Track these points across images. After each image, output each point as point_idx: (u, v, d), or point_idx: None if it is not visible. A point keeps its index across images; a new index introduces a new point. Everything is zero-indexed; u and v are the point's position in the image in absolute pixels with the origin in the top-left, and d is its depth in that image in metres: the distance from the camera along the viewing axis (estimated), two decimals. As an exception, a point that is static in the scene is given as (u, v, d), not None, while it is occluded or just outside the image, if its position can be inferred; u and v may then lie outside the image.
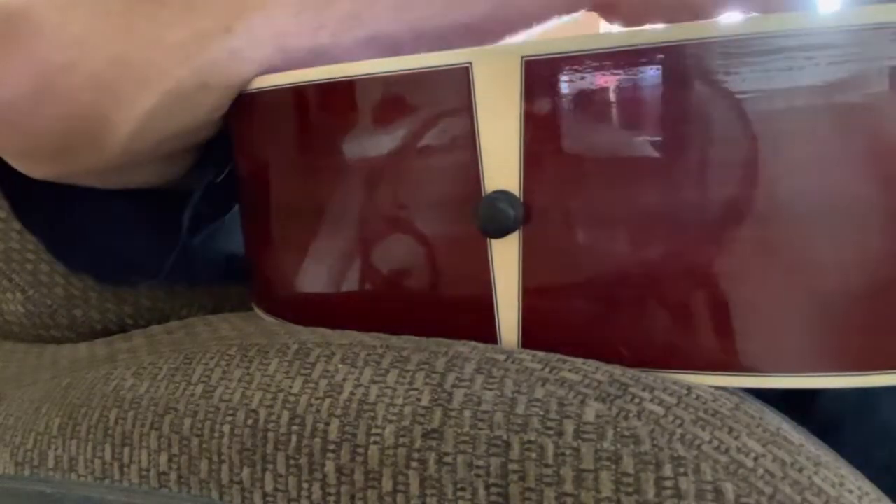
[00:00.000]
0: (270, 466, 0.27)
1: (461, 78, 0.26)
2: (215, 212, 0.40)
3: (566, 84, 0.24)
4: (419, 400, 0.25)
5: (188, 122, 0.32)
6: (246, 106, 0.32)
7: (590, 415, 0.24)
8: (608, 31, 0.24)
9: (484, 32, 0.33)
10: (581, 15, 0.33)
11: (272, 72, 0.31)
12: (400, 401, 0.26)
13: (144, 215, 0.38)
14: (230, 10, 0.29)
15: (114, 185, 0.37)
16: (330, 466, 0.26)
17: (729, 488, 0.22)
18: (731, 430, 0.23)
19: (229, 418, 0.28)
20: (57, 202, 0.37)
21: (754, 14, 0.32)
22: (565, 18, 0.34)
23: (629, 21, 0.34)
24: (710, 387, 0.25)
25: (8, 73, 0.30)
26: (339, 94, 0.28)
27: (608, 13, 0.34)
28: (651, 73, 0.24)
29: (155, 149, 0.33)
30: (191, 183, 0.38)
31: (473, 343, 0.27)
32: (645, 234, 0.25)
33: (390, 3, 0.31)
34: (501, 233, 0.26)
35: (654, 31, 0.24)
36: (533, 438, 0.24)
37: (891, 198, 0.23)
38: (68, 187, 0.36)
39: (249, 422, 0.27)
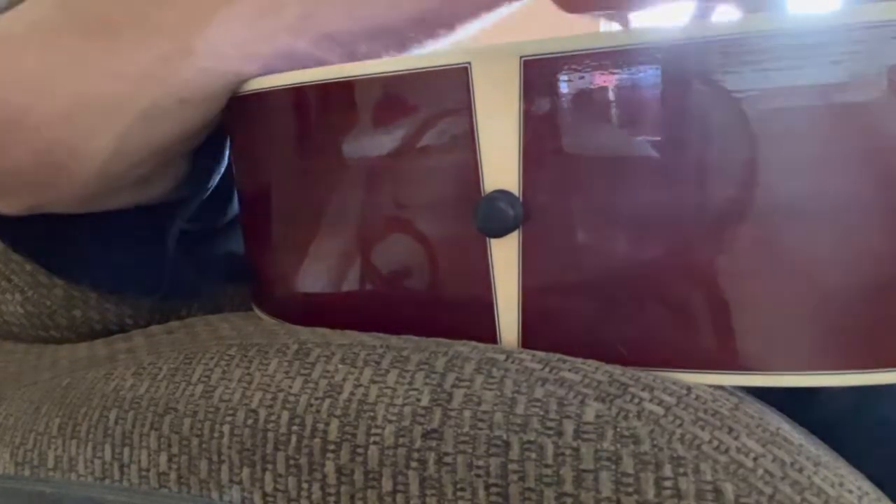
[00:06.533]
0: (270, 466, 0.27)
1: (460, 78, 0.26)
2: (210, 218, 0.40)
3: (565, 83, 0.24)
4: (419, 400, 0.25)
5: (172, 135, 0.32)
6: (244, 107, 0.32)
7: (590, 415, 0.24)
8: (608, 31, 0.24)
9: (435, 24, 0.34)
10: (531, 1, 0.33)
11: (247, 77, 0.31)
12: (400, 401, 0.26)
13: (142, 227, 0.38)
14: (185, 29, 0.29)
15: (88, 211, 0.37)
16: (330, 466, 0.26)
17: (729, 488, 0.22)
18: (730, 430, 0.23)
19: (229, 418, 0.28)
20: (48, 222, 0.37)
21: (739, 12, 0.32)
22: (515, 5, 0.34)
23: (569, 8, 0.34)
24: (710, 386, 0.25)
25: None
26: (338, 95, 0.28)
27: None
28: (650, 73, 0.24)
29: (134, 169, 0.33)
30: (179, 196, 0.37)
31: (473, 343, 0.27)
32: (644, 234, 0.25)
33: (340, 3, 0.31)
34: (501, 232, 0.26)
35: (654, 30, 0.24)
36: (533, 438, 0.24)
37: (890, 197, 0.23)
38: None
39: (249, 422, 0.27)
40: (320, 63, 0.30)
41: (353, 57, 0.32)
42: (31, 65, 0.30)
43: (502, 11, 0.34)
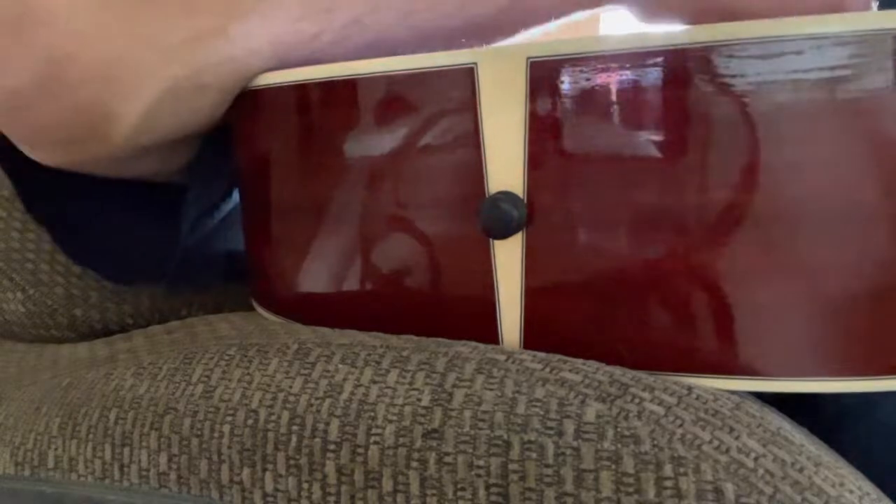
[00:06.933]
0: (270, 466, 0.27)
1: (466, 78, 0.26)
2: (211, 208, 0.40)
3: (571, 85, 0.24)
4: (419, 400, 0.25)
5: (189, 120, 0.33)
6: (248, 103, 0.32)
7: (590, 415, 0.24)
8: (614, 34, 0.24)
9: (493, 31, 0.33)
10: (600, 10, 0.33)
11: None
12: (400, 401, 0.26)
13: (149, 212, 0.38)
14: (228, 11, 0.29)
15: (120, 174, 0.37)
16: (330, 466, 0.26)
17: (729, 488, 0.22)
18: (731, 429, 0.23)
19: (229, 418, 0.28)
20: (63, 193, 0.38)
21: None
22: (583, 14, 0.33)
23: (648, 16, 0.34)
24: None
25: (13, 60, 0.31)
26: (343, 93, 0.28)
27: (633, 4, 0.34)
28: (655, 75, 0.24)
29: (161, 140, 0.34)
30: (192, 176, 0.38)
31: (474, 343, 0.27)
32: (647, 235, 0.25)
33: (397, 9, 0.31)
34: (504, 234, 0.26)
35: (659, 33, 0.24)
36: (533, 438, 0.24)
37: (893, 201, 0.23)
38: (76, 181, 0.36)
39: (249, 422, 0.27)
40: None
41: None
42: (80, 19, 0.30)
43: (557, 22, 0.33)
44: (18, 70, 0.31)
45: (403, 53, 0.32)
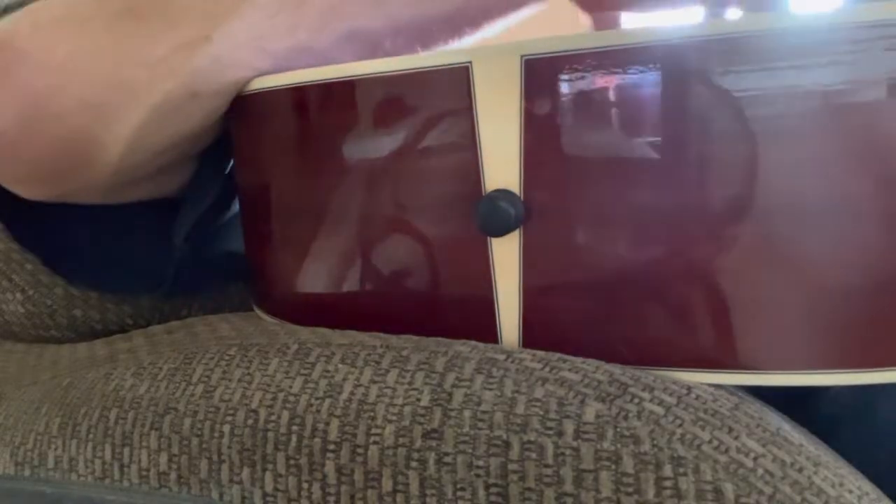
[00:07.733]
0: (270, 466, 0.27)
1: (461, 77, 0.26)
2: (211, 216, 0.40)
3: (566, 83, 0.24)
4: (419, 400, 0.25)
5: (183, 132, 0.32)
6: (246, 107, 0.32)
7: (590, 415, 0.24)
8: (610, 31, 0.24)
9: (462, 22, 0.34)
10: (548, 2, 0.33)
11: (259, 74, 0.31)
12: (400, 401, 0.26)
13: (143, 224, 0.38)
14: (207, 19, 0.30)
15: (111, 202, 0.37)
16: (330, 466, 0.26)
17: (729, 488, 0.22)
18: (730, 430, 0.23)
19: (229, 418, 0.28)
20: (52, 217, 0.37)
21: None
22: (542, 5, 0.33)
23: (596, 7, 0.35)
24: (710, 386, 0.25)
25: None
26: (339, 95, 0.28)
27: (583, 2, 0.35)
28: (651, 73, 0.24)
29: (151, 162, 0.33)
30: (188, 192, 0.38)
31: (473, 343, 0.27)
32: (644, 233, 0.25)
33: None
34: (502, 232, 0.26)
35: (654, 30, 0.24)
36: (533, 438, 0.24)
37: (889, 197, 0.23)
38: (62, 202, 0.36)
39: (249, 422, 0.27)
40: (335, 63, 0.30)
41: (374, 54, 0.32)
42: (59, 53, 0.30)
43: (531, 10, 0.34)
44: (1, 111, 0.30)
45: (382, 43, 0.32)
